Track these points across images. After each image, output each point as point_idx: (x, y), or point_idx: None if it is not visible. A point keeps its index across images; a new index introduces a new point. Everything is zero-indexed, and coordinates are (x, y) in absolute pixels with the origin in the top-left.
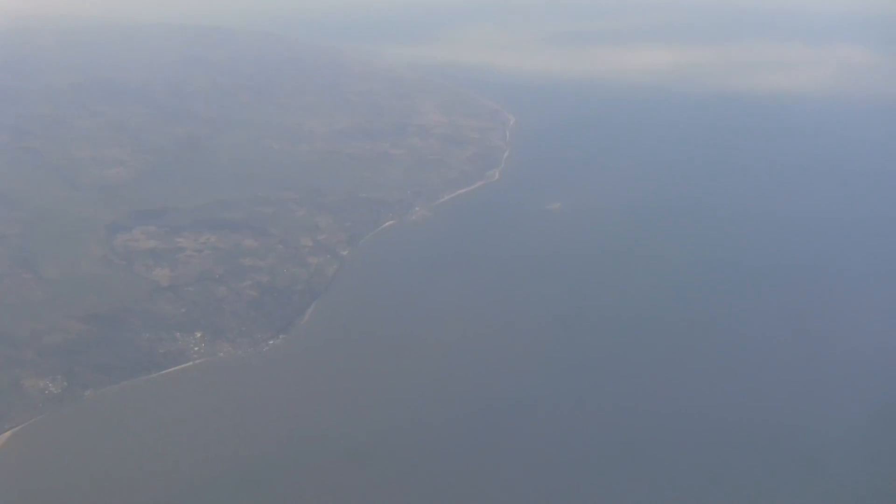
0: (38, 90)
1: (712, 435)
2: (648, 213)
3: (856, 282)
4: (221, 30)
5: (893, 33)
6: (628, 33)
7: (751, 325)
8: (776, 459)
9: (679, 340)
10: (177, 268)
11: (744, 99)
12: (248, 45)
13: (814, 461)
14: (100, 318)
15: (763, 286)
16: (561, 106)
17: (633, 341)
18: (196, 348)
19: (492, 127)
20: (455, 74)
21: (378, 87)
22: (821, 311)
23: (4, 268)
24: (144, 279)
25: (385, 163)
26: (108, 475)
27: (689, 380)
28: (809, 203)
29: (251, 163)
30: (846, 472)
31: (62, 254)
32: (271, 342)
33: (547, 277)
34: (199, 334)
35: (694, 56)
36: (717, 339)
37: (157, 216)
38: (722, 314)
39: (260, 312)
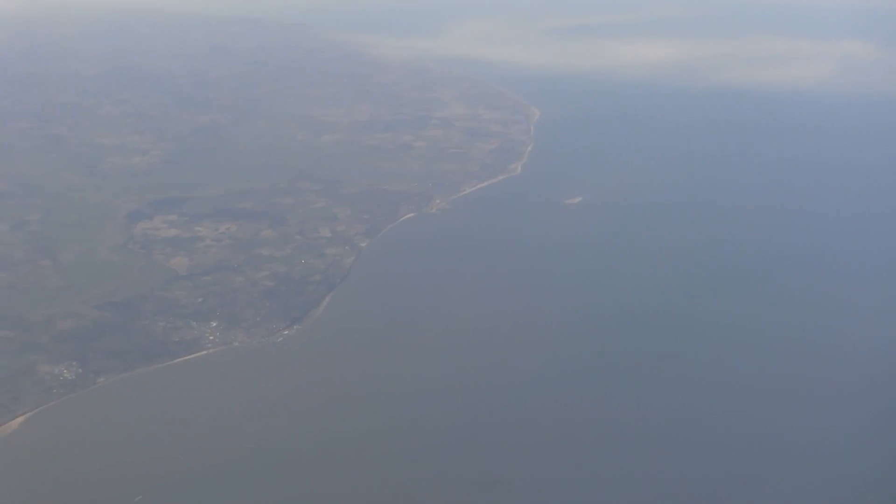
0: (64, 77)
1: (727, 436)
2: (666, 209)
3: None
4: (247, 19)
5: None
6: (637, 26)
7: (770, 322)
8: (783, 460)
9: (694, 338)
10: (195, 256)
11: (761, 94)
12: (273, 36)
13: (820, 463)
14: (116, 305)
15: (783, 283)
16: (584, 100)
17: (648, 339)
18: (211, 337)
19: (516, 120)
20: (475, 67)
21: (401, 79)
22: (831, 308)
23: (23, 253)
24: (162, 267)
25: (406, 154)
26: (118, 461)
27: (703, 378)
28: (828, 200)
29: (272, 152)
30: (852, 473)
31: (81, 240)
32: (286, 332)
33: (563, 272)
34: (214, 323)
35: (709, 50)
36: (733, 337)
37: (178, 204)
38: (736, 312)
39: (275, 302)
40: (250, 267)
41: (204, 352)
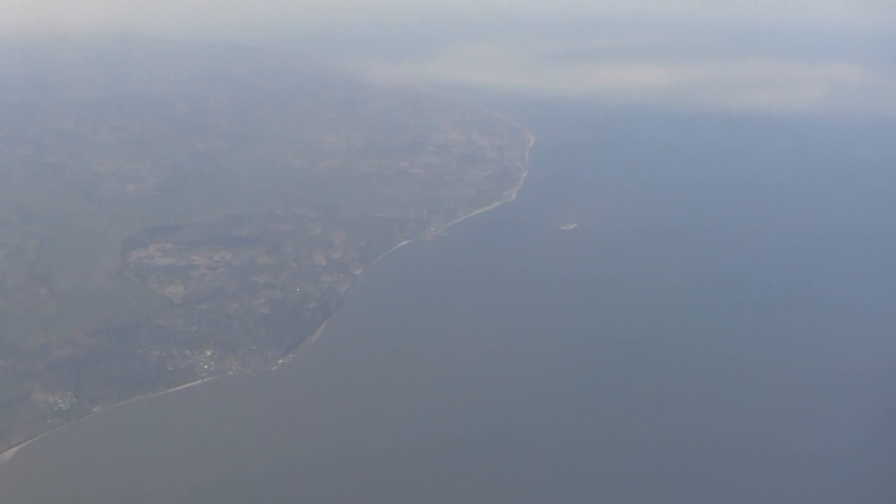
0: (62, 104)
1: (723, 459)
2: (661, 234)
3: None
4: (245, 47)
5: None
6: (631, 51)
7: (767, 345)
8: (781, 482)
9: (690, 364)
10: (190, 284)
11: (750, 118)
12: (271, 63)
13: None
14: (111, 332)
15: (778, 306)
16: (578, 125)
17: (643, 366)
18: (205, 365)
19: (511, 146)
20: (470, 92)
21: (398, 105)
22: (829, 330)
23: (19, 280)
24: (157, 295)
25: (402, 181)
26: (112, 492)
27: (701, 403)
28: (824, 221)
29: (269, 179)
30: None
31: (77, 268)
32: (280, 360)
33: (558, 299)
34: (209, 352)
35: (701, 75)
36: (730, 361)
37: (174, 232)
38: (732, 336)
39: (271, 330)
40: (245, 294)
41: (199, 381)
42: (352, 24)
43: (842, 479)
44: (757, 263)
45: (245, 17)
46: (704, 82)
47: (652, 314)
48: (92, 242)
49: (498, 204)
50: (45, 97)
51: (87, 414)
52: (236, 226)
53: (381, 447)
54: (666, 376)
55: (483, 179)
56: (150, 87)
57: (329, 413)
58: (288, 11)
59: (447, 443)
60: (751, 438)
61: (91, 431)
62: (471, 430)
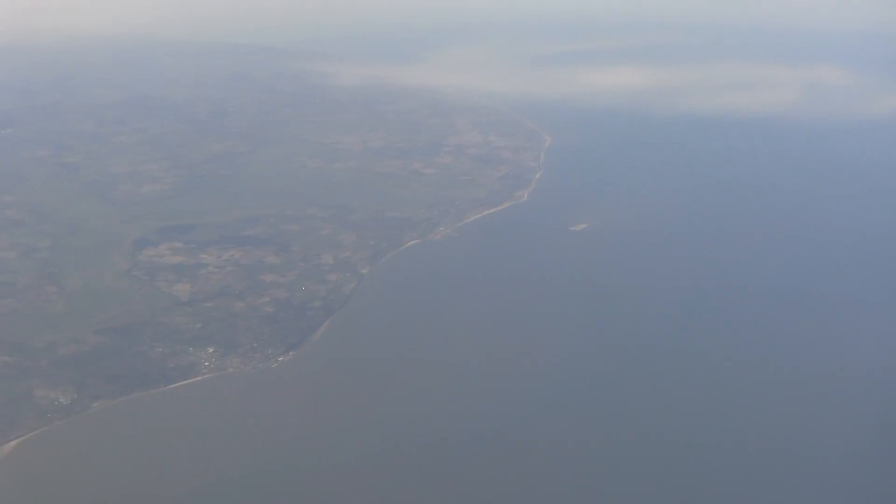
0: (83, 106)
1: (726, 464)
2: (669, 235)
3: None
4: (268, 49)
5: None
6: (651, 52)
7: (775, 350)
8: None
9: (695, 366)
10: (197, 283)
11: (774, 120)
12: (293, 64)
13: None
14: (116, 330)
15: (781, 307)
16: (597, 126)
17: (646, 368)
18: (207, 363)
19: (527, 147)
20: (490, 95)
21: (417, 106)
22: (839, 335)
23: (30, 279)
24: (165, 294)
25: (415, 181)
26: (108, 487)
27: (709, 409)
28: (833, 225)
29: (283, 180)
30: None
31: (87, 267)
32: (281, 358)
33: (563, 300)
34: (211, 349)
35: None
36: (738, 367)
37: (185, 231)
38: (736, 338)
39: (274, 328)
40: (252, 293)
41: (199, 377)
42: (374, 27)
43: (841, 483)
44: (766, 265)
45: (268, 19)
46: (721, 84)
47: (657, 315)
48: (104, 242)
49: (509, 204)
50: (67, 99)
51: (86, 409)
52: (247, 226)
53: (371, 447)
54: (669, 379)
55: (496, 180)
56: (172, 90)
57: (323, 411)
58: (311, 14)
59: (443, 446)
60: (755, 443)
61: (90, 427)
62: (470, 434)
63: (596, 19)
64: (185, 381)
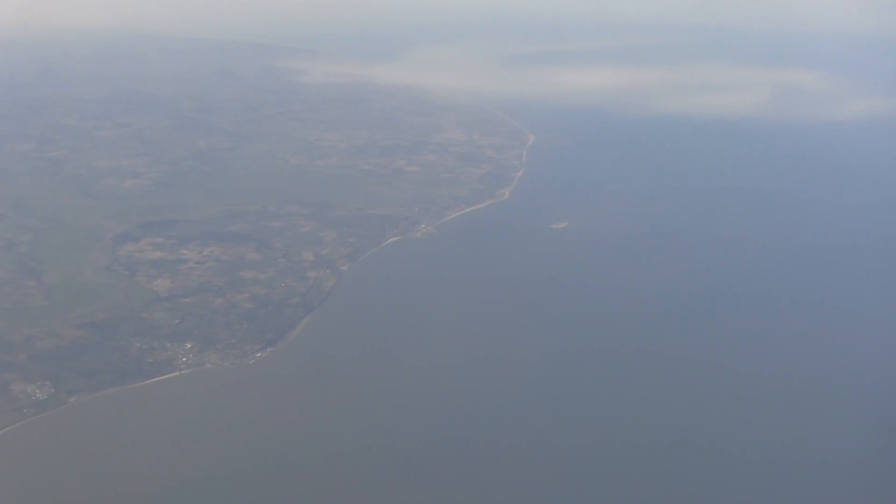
0: (68, 101)
1: (716, 466)
2: (649, 234)
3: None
4: (255, 45)
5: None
6: (638, 53)
7: (754, 352)
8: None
9: (675, 372)
10: (177, 279)
11: (756, 122)
12: (279, 61)
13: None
14: (95, 325)
15: (764, 308)
16: (580, 125)
17: (628, 368)
18: (184, 358)
19: (510, 145)
20: (475, 92)
21: (401, 104)
22: (822, 336)
23: (10, 274)
24: (144, 289)
25: (398, 179)
26: (84, 483)
27: (688, 412)
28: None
29: (266, 176)
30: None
31: (67, 262)
32: (258, 354)
33: (542, 297)
34: (189, 345)
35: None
36: (716, 368)
37: (166, 227)
38: (714, 341)
39: (252, 324)
40: (231, 289)
41: (176, 373)
42: (361, 25)
43: (839, 487)
44: (742, 264)
45: (254, 16)
46: (699, 85)
47: (637, 313)
48: (85, 237)
49: (491, 202)
50: (53, 94)
51: (63, 404)
52: (229, 222)
53: (347, 444)
54: (652, 380)
55: (478, 178)
56: (157, 85)
57: (300, 408)
58: (297, 11)
59: (421, 444)
60: (743, 446)
61: (66, 422)
62: (448, 432)
63: (573, 20)
64: (162, 377)
